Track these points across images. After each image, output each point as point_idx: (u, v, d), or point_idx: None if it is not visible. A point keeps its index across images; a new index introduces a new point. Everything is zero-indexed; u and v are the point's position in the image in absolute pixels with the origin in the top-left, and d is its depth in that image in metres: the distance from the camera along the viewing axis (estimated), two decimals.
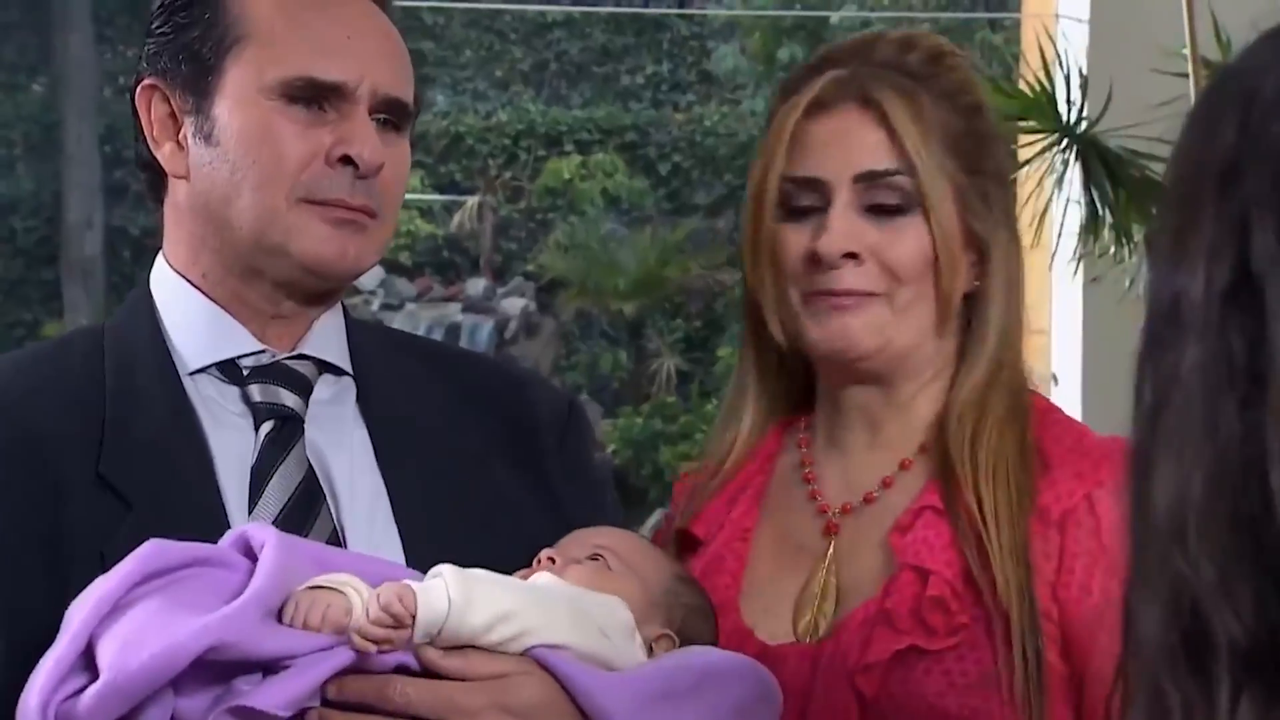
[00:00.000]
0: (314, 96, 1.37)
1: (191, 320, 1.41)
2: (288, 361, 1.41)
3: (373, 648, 1.20)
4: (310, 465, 1.39)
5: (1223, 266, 0.75)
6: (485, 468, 1.45)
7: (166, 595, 1.20)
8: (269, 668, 1.19)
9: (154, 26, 1.42)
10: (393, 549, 1.37)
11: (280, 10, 1.39)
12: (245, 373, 1.40)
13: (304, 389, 1.41)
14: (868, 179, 1.46)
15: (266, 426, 1.39)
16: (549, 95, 14.43)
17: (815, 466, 1.54)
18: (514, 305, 13.12)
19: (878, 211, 1.46)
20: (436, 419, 1.45)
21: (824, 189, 1.47)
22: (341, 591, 1.22)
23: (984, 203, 1.48)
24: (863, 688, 1.41)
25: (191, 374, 1.40)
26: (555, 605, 1.27)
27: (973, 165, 1.48)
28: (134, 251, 13.14)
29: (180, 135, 1.39)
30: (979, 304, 1.49)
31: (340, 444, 1.41)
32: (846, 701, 1.40)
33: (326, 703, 1.21)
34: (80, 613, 1.20)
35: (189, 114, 1.39)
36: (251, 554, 1.24)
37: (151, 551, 1.22)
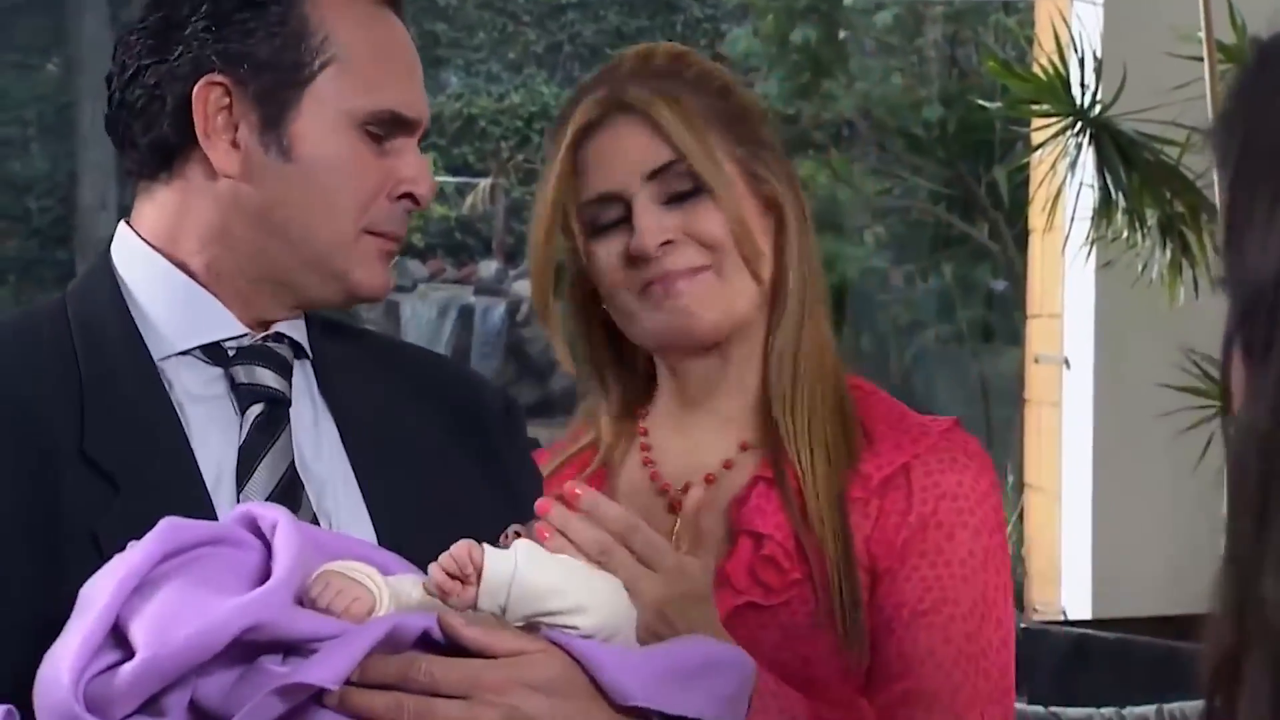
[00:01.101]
0: (388, 131, 1.39)
1: (170, 299, 1.39)
2: (269, 344, 1.41)
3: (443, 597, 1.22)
4: (293, 452, 1.39)
5: None
6: (444, 458, 1.45)
7: (189, 574, 1.21)
8: (294, 648, 1.19)
9: (217, 24, 1.37)
10: (366, 537, 1.37)
11: (366, 38, 1.39)
12: (230, 354, 1.39)
13: (286, 371, 1.41)
14: (657, 174, 1.55)
15: (255, 410, 1.38)
16: (562, 77, 14.41)
17: (654, 450, 1.63)
18: (526, 287, 13.13)
19: (675, 200, 1.55)
20: (393, 408, 1.46)
21: (622, 198, 1.56)
22: (365, 585, 1.23)
23: (765, 167, 1.58)
24: None
25: (168, 357, 1.38)
26: (602, 586, 1.29)
27: (742, 137, 1.58)
28: None
29: (236, 136, 1.37)
30: (778, 258, 1.59)
31: (312, 430, 1.41)
32: None
33: (348, 683, 1.21)
34: (103, 590, 1.19)
35: (255, 118, 1.37)
36: (258, 532, 1.25)
37: (170, 530, 1.22)
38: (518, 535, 1.33)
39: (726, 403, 1.60)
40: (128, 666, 1.16)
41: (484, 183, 13.89)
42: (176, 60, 1.38)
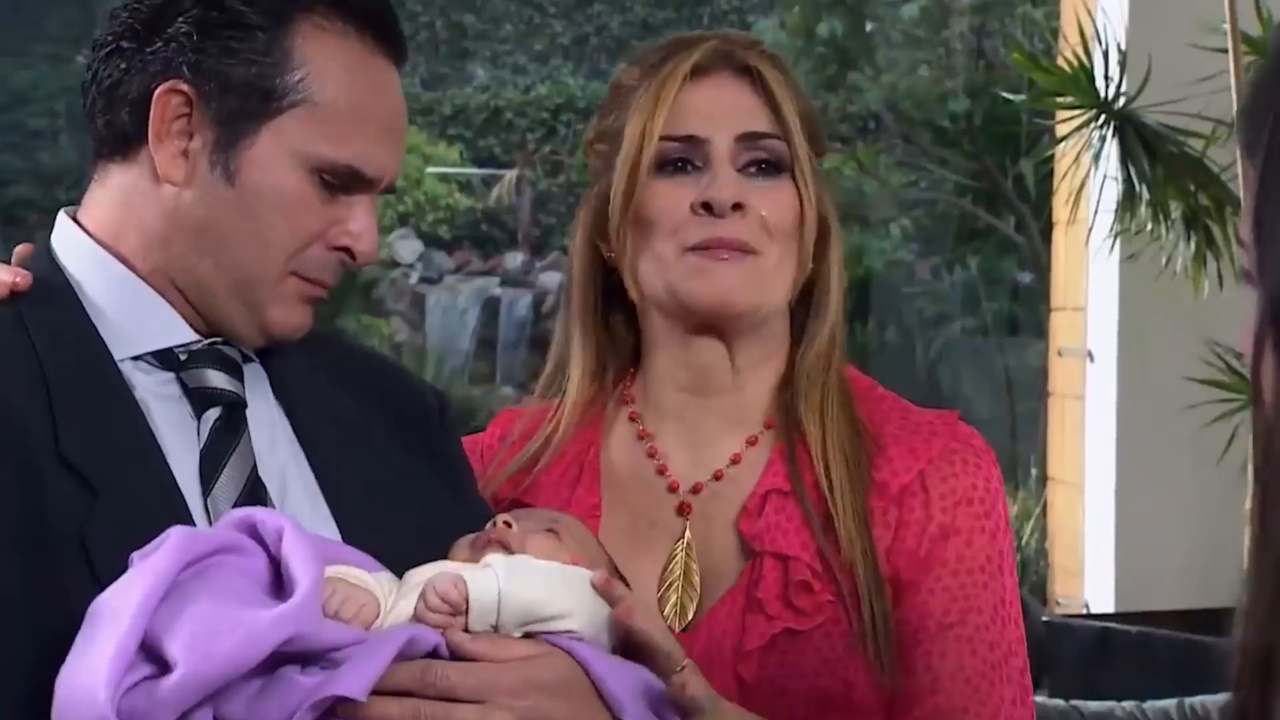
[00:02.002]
0: (343, 183, 1.36)
1: (120, 301, 1.37)
2: (219, 346, 1.39)
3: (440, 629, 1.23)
4: (253, 455, 1.37)
5: None
6: (392, 455, 1.45)
7: (210, 584, 1.21)
8: (315, 658, 1.20)
9: (201, 34, 1.35)
10: (331, 536, 1.36)
11: (347, 87, 1.36)
12: (182, 358, 1.38)
13: (237, 372, 1.39)
14: (748, 139, 1.53)
15: (213, 414, 1.37)
16: (589, 69, 14.41)
17: (658, 440, 1.58)
18: (552, 279, 13.14)
19: (754, 170, 1.53)
20: (339, 407, 1.45)
21: (704, 147, 1.52)
22: (370, 592, 1.25)
23: (826, 184, 1.57)
24: (743, 673, 1.47)
25: (124, 359, 1.36)
26: (585, 589, 1.30)
27: (817, 150, 1.57)
28: None
29: (187, 147, 1.35)
30: (820, 278, 1.57)
31: (269, 432, 1.40)
32: (728, 686, 1.45)
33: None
34: (129, 602, 1.18)
35: (211, 136, 1.35)
36: (259, 538, 1.25)
37: (184, 540, 1.22)
38: (507, 525, 1.34)
39: (734, 397, 1.56)
40: (170, 680, 1.16)
41: (510, 174, 13.90)
42: (150, 53, 1.35)
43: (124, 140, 1.37)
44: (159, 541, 1.23)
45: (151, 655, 1.18)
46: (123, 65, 1.36)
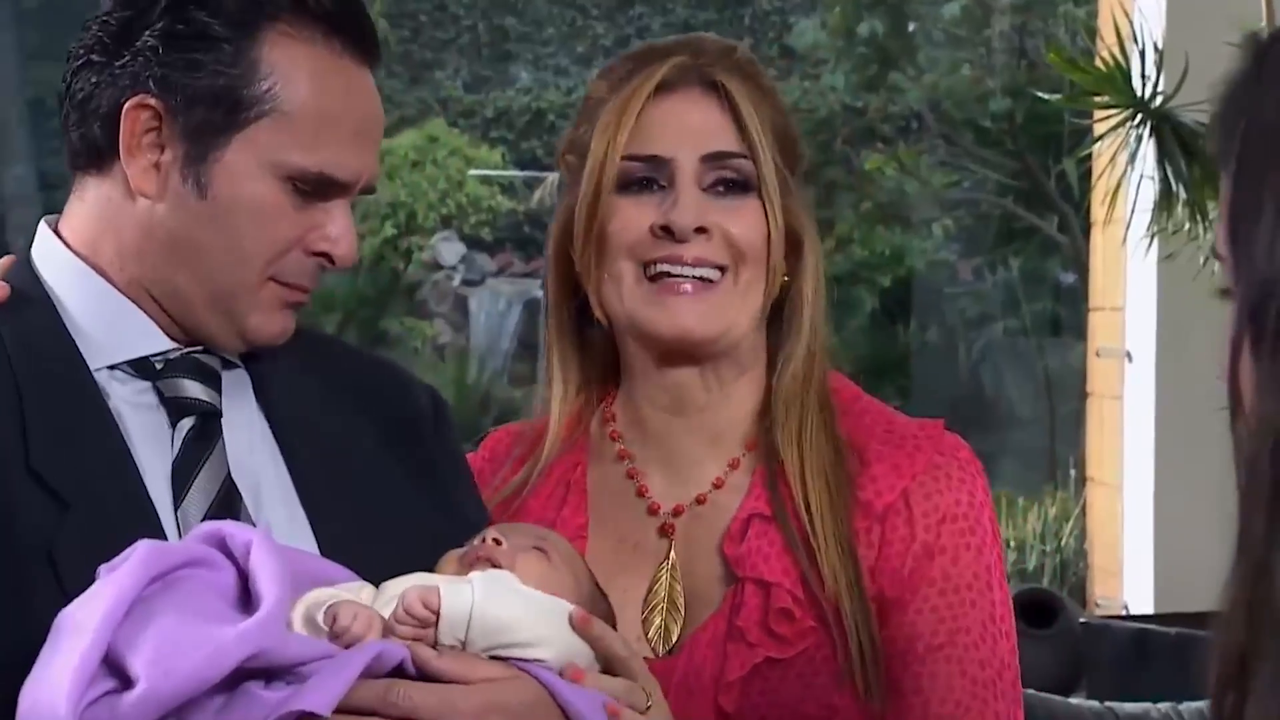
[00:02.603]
0: (317, 189, 1.35)
1: (97, 311, 1.37)
2: (196, 354, 1.39)
3: (406, 642, 1.23)
4: (227, 465, 1.37)
5: None
6: (378, 462, 1.43)
7: (175, 599, 1.20)
8: (279, 673, 1.20)
9: (167, 47, 1.34)
10: (308, 547, 1.36)
11: (317, 93, 1.34)
12: (158, 366, 1.37)
13: (214, 380, 1.39)
14: (713, 159, 1.49)
15: (186, 423, 1.36)
16: None
17: (638, 461, 1.56)
18: None
19: (719, 190, 1.50)
20: (326, 412, 1.44)
21: (668, 167, 1.49)
22: (369, 609, 1.25)
23: (799, 198, 1.53)
24: (724, 704, 1.46)
25: (100, 369, 1.36)
26: (561, 622, 1.29)
27: (790, 163, 1.53)
28: None
29: (159, 160, 1.34)
30: (793, 295, 1.54)
31: (248, 439, 1.39)
32: (708, 717, 1.45)
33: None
34: (92, 615, 1.18)
35: (180, 150, 1.34)
36: (228, 552, 1.25)
37: (151, 554, 1.22)
38: (497, 542, 1.33)
39: (712, 417, 1.54)
40: (130, 696, 1.16)
41: (552, 177, 13.93)
42: (120, 67, 1.34)
43: (97, 154, 1.36)
44: (126, 554, 1.22)
45: (114, 670, 1.18)
46: (93, 79, 1.35)
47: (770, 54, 14.24)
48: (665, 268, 1.49)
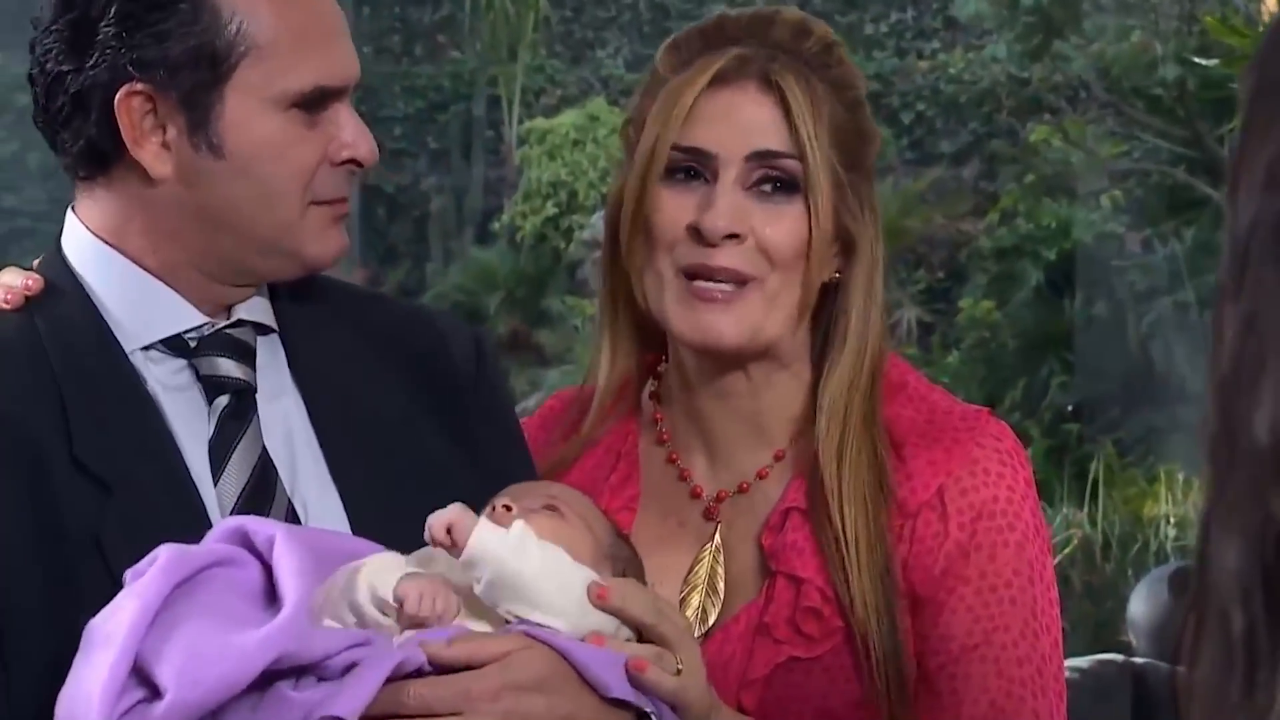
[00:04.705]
0: (317, 102, 1.36)
1: (126, 293, 1.38)
2: (229, 330, 1.40)
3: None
4: (263, 441, 1.38)
5: None
6: (411, 427, 1.44)
7: (200, 603, 1.22)
8: (307, 670, 1.21)
9: (129, 30, 1.34)
10: (338, 522, 1.37)
11: (279, 19, 1.35)
12: (192, 345, 1.39)
13: (249, 356, 1.40)
14: (760, 158, 1.46)
15: (221, 401, 1.38)
16: None
17: (676, 444, 1.55)
18: None
19: (761, 191, 1.46)
20: (359, 374, 1.44)
21: (713, 162, 1.47)
22: (434, 579, 1.26)
23: (856, 197, 1.49)
24: (745, 702, 1.45)
25: (135, 351, 1.38)
26: (580, 585, 1.28)
27: (852, 160, 1.48)
28: (389, 209, 13.55)
29: (165, 139, 1.35)
30: (841, 295, 1.50)
31: (281, 413, 1.40)
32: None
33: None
34: (120, 626, 1.21)
35: (182, 121, 1.35)
36: (252, 548, 1.26)
37: (174, 559, 1.23)
38: (506, 509, 1.31)
39: (754, 406, 1.52)
40: (158, 707, 1.19)
41: None
42: (93, 68, 1.34)
43: (101, 157, 1.37)
44: (150, 559, 1.24)
45: (143, 680, 1.20)
46: (74, 91, 1.36)
47: (934, 26, 14.04)
48: (698, 274, 1.48)
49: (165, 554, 1.24)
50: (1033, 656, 1.46)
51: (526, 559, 1.27)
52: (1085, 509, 6.78)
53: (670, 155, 1.47)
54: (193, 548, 1.26)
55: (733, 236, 1.46)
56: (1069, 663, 2.51)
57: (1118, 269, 9.07)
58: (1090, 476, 6.99)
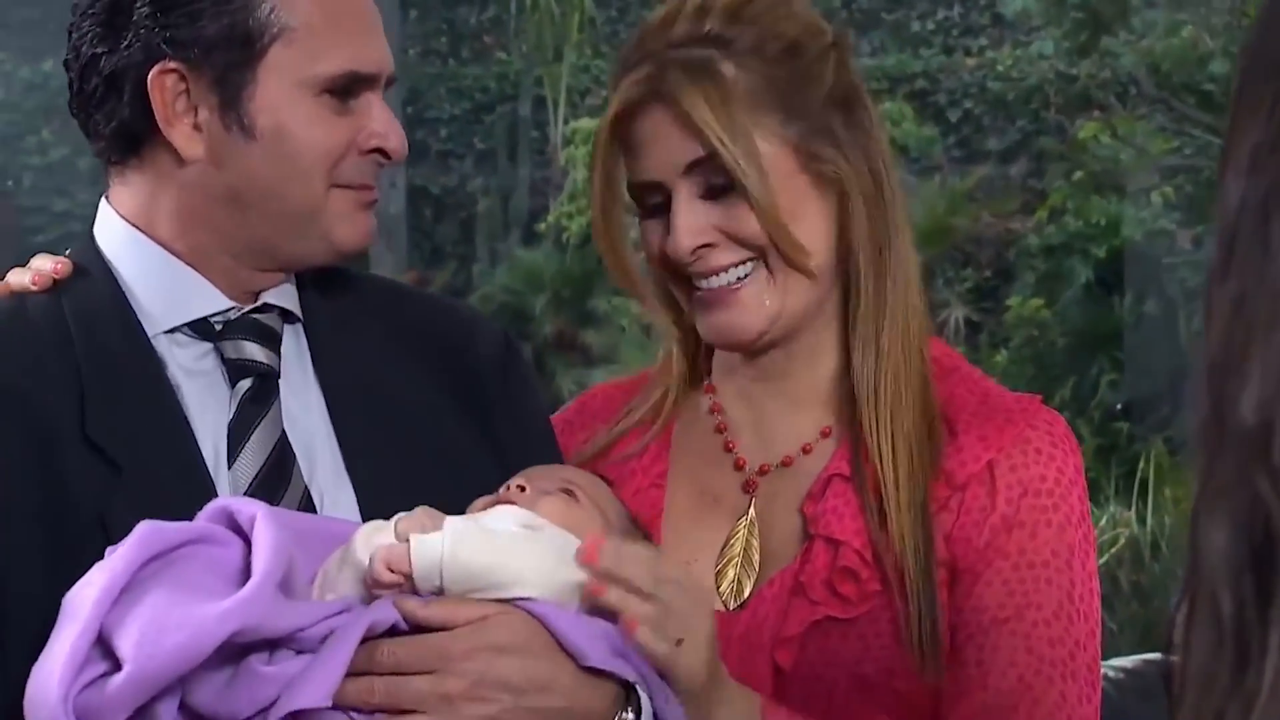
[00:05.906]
0: (349, 89, 1.38)
1: (153, 277, 1.40)
2: (256, 314, 1.42)
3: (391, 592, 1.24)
4: (283, 426, 1.39)
5: None
6: (434, 420, 1.45)
7: (170, 578, 1.21)
8: (281, 643, 1.21)
9: (164, 9, 1.36)
10: (353, 515, 1.37)
11: (313, 3, 1.38)
12: (218, 328, 1.40)
13: (274, 341, 1.41)
14: (691, 170, 1.46)
15: (244, 384, 1.39)
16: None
17: (726, 416, 1.56)
18: None
19: (714, 192, 1.47)
20: (383, 367, 1.45)
21: (664, 187, 1.48)
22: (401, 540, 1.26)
23: (829, 138, 1.46)
24: (780, 660, 1.45)
25: (160, 334, 1.40)
26: (548, 557, 1.27)
27: (797, 110, 1.46)
28: (435, 210, 13.60)
29: (197, 120, 1.37)
30: (846, 246, 1.48)
31: (303, 400, 1.42)
32: (763, 673, 1.44)
33: None
34: (86, 600, 1.20)
35: (214, 100, 1.37)
36: (237, 527, 1.26)
37: (149, 534, 1.23)
38: (520, 490, 1.33)
39: (795, 384, 1.54)
40: (116, 678, 1.17)
41: None
42: (127, 49, 1.36)
43: (134, 139, 1.39)
44: (130, 536, 1.23)
45: (107, 652, 1.19)
46: (108, 72, 1.38)
47: (982, 23, 13.97)
48: (696, 281, 1.50)
49: (140, 529, 1.24)
50: (1065, 639, 1.45)
51: (472, 549, 1.25)
52: (1134, 508, 6.73)
53: (635, 192, 1.51)
54: (171, 524, 1.26)
55: (705, 246, 1.47)
56: (1114, 662, 2.48)
57: (1168, 266, 9.00)
58: (1139, 475, 6.93)
